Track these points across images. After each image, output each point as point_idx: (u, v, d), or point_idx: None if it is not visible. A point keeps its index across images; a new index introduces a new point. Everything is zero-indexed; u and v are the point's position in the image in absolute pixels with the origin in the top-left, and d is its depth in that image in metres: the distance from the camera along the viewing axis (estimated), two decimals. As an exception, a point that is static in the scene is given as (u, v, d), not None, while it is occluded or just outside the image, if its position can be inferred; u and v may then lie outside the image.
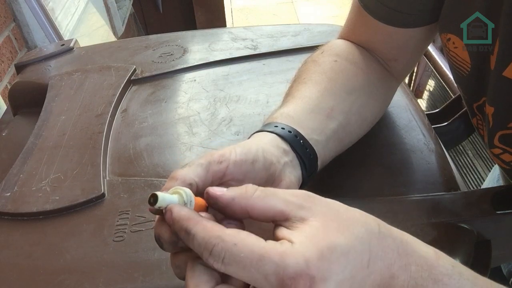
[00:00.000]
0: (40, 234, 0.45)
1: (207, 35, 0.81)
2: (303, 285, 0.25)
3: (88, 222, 0.46)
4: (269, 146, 0.38)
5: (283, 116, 0.42)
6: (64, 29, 1.29)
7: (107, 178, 0.51)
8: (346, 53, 0.52)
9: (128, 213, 0.46)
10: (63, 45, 0.81)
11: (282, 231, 0.28)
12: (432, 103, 2.01)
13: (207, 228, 0.27)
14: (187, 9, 2.37)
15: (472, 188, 1.33)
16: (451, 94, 1.08)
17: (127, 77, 0.69)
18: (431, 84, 2.07)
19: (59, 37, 1.18)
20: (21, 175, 0.53)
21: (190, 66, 0.71)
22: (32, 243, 0.44)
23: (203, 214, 0.29)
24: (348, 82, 0.48)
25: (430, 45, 1.14)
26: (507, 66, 0.39)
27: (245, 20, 3.23)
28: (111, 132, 0.59)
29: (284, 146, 0.39)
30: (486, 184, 0.82)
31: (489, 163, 1.65)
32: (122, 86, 0.67)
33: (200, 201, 0.31)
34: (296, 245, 0.26)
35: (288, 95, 0.47)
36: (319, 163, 0.42)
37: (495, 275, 0.71)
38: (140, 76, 0.70)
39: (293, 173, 0.38)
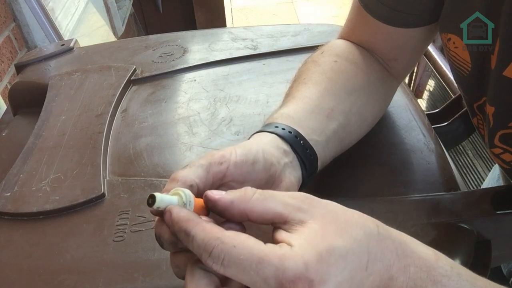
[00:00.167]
0: (40, 234, 0.45)
1: (207, 35, 0.81)
2: None
3: (88, 222, 0.46)
4: (269, 147, 0.37)
5: (283, 117, 0.42)
6: (64, 29, 1.29)
7: (107, 178, 0.51)
8: (346, 53, 0.52)
9: (128, 213, 0.46)
10: (63, 45, 0.81)
11: (281, 234, 0.28)
12: (432, 103, 2.01)
13: (206, 230, 0.27)
14: (187, 9, 2.37)
15: (472, 188, 1.33)
16: (451, 94, 1.08)
17: (127, 77, 0.69)
18: (431, 84, 2.07)
19: (59, 37, 1.18)
20: (21, 175, 0.53)
21: (190, 66, 0.71)
22: (32, 243, 0.44)
23: (203, 217, 0.29)
24: (348, 83, 0.48)
25: (430, 45, 1.14)
26: (507, 66, 0.39)
27: (245, 20, 3.23)
28: (111, 132, 0.59)
29: (285, 146, 0.39)
30: (486, 184, 0.82)
31: (489, 163, 1.65)
32: (122, 86, 0.67)
33: (201, 202, 0.31)
34: (295, 248, 0.26)
35: (288, 96, 0.47)
36: (319, 163, 0.42)
37: (495, 275, 0.71)
38: (140, 76, 0.70)
39: (293, 173, 0.38)
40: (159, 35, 0.83)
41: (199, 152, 0.54)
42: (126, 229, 0.44)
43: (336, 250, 0.26)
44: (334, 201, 0.30)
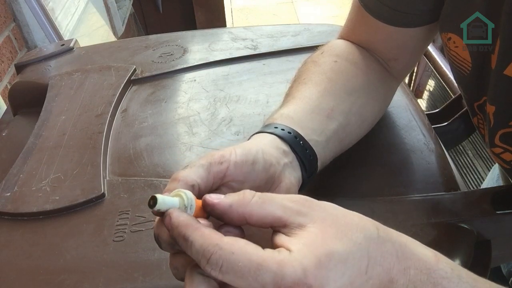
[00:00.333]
0: (40, 234, 0.45)
1: (207, 35, 0.81)
2: None
3: (88, 222, 0.46)
4: (268, 147, 0.37)
5: (283, 117, 0.42)
6: (64, 29, 1.29)
7: (107, 178, 0.51)
8: (346, 53, 0.52)
9: (128, 213, 0.46)
10: (63, 45, 0.81)
11: (280, 238, 0.27)
12: (432, 103, 2.01)
13: (205, 236, 0.27)
14: (187, 9, 2.37)
15: (472, 188, 1.33)
16: (451, 94, 1.08)
17: (127, 77, 0.69)
18: (431, 84, 2.07)
19: (59, 37, 1.18)
20: (21, 175, 0.53)
21: (190, 66, 0.71)
22: (32, 243, 0.44)
23: (203, 221, 0.29)
24: (348, 83, 0.48)
25: (430, 45, 1.14)
26: (508, 65, 0.39)
27: (245, 20, 3.23)
28: (111, 132, 0.59)
29: (284, 147, 0.39)
30: (485, 184, 0.82)
31: (489, 163, 1.65)
32: (122, 86, 0.67)
33: (201, 204, 0.31)
34: (294, 253, 0.26)
35: (288, 96, 0.47)
36: (319, 163, 0.42)
37: (495, 275, 0.71)
38: (140, 76, 0.70)
39: (293, 174, 0.38)
40: (159, 35, 0.83)
41: (199, 152, 0.54)
42: (126, 229, 0.44)
43: (335, 255, 0.26)
44: (334, 201, 0.30)
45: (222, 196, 0.30)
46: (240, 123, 0.58)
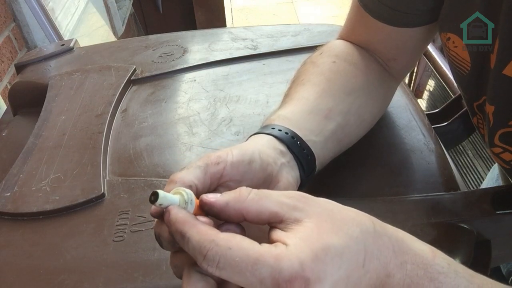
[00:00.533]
0: (40, 234, 0.45)
1: (207, 35, 0.81)
2: (299, 287, 0.25)
3: (88, 222, 0.46)
4: (265, 147, 0.38)
5: (281, 118, 0.42)
6: (64, 29, 1.29)
7: (107, 178, 0.51)
8: (345, 54, 0.52)
9: (128, 213, 0.46)
10: (63, 45, 0.81)
11: (276, 233, 0.28)
12: (432, 103, 2.01)
13: (201, 232, 0.27)
14: (187, 9, 2.37)
15: (472, 188, 1.33)
16: (451, 94, 1.08)
17: (127, 77, 0.69)
18: (431, 84, 2.07)
19: (59, 37, 1.18)
20: (21, 175, 0.53)
21: (190, 66, 0.71)
22: (32, 243, 0.44)
23: (203, 219, 0.29)
24: (346, 83, 0.48)
25: (430, 45, 1.14)
26: (507, 65, 0.39)
27: (245, 20, 3.23)
28: (111, 132, 0.59)
29: (281, 147, 0.39)
30: (485, 184, 0.82)
31: (489, 163, 1.65)
32: (122, 86, 0.67)
33: None
34: (291, 248, 0.26)
35: (286, 97, 0.48)
36: (317, 163, 0.42)
37: (495, 275, 0.71)
38: (140, 76, 0.70)
39: (290, 173, 0.38)
40: (159, 35, 0.83)
41: (199, 152, 0.54)
42: (126, 229, 0.44)
43: (332, 249, 0.26)
44: (334, 200, 0.30)
45: (218, 195, 0.30)
46: (240, 123, 0.58)
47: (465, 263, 0.39)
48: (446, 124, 0.69)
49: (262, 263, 0.25)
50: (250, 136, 0.41)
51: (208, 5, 2.36)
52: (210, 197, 0.30)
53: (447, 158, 0.51)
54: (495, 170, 0.77)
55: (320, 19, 3.06)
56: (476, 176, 1.63)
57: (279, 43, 0.74)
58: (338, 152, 0.46)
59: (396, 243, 0.28)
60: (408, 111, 0.58)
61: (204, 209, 0.30)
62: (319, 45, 0.55)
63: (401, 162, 0.50)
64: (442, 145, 0.53)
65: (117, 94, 0.65)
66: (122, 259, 0.41)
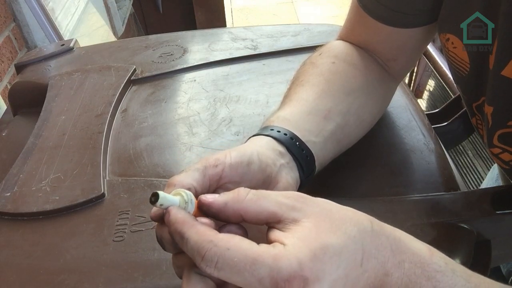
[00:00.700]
0: (40, 234, 0.45)
1: (207, 35, 0.81)
2: (297, 287, 0.25)
3: (88, 222, 0.46)
4: (264, 149, 0.38)
5: (280, 119, 0.42)
6: (64, 29, 1.29)
7: (107, 178, 0.51)
8: (344, 54, 0.52)
9: (128, 213, 0.46)
10: (63, 45, 0.81)
11: (275, 233, 0.28)
12: (432, 103, 2.01)
13: (199, 233, 0.27)
14: (187, 9, 2.37)
15: (472, 188, 1.33)
16: (451, 94, 1.08)
17: (127, 77, 0.69)
18: (431, 84, 2.07)
19: (59, 37, 1.18)
20: (21, 175, 0.53)
21: (190, 66, 0.71)
22: (32, 243, 0.44)
23: (203, 219, 0.29)
24: (346, 84, 0.48)
25: (430, 45, 1.14)
26: (505, 65, 0.39)
27: (245, 20, 3.23)
28: (111, 132, 0.59)
29: (280, 148, 0.39)
30: (484, 184, 0.82)
31: (489, 163, 1.65)
32: (122, 86, 0.67)
33: None
34: (289, 247, 0.26)
35: (285, 98, 0.48)
36: (317, 164, 0.42)
37: (495, 275, 0.71)
38: (140, 76, 0.70)
39: (290, 174, 0.38)
40: (159, 35, 0.83)
41: (199, 152, 0.54)
42: (126, 229, 0.44)
43: (330, 248, 0.26)
44: (334, 200, 0.30)
45: (217, 195, 0.30)
46: (240, 123, 0.58)
47: (465, 263, 0.39)
48: (446, 124, 0.69)
49: (261, 263, 0.25)
50: (249, 137, 0.41)
51: (208, 5, 2.36)
52: (209, 198, 0.30)
53: (447, 158, 0.51)
54: (494, 170, 0.77)
55: (320, 19, 3.06)
56: (476, 176, 1.63)
57: (279, 43, 0.74)
58: (337, 152, 0.46)
59: (394, 242, 0.28)
60: (408, 111, 0.58)
61: (202, 210, 0.30)
62: (319, 45, 0.55)
63: (401, 162, 0.50)
64: (442, 145, 0.53)
65: (117, 94, 0.65)
66: (122, 259, 0.41)
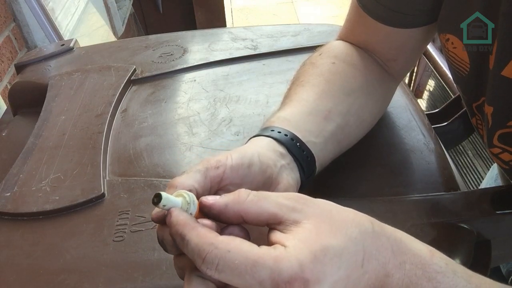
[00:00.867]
0: (40, 234, 0.45)
1: (207, 35, 0.81)
2: None
3: (88, 222, 0.46)
4: (265, 150, 0.38)
5: (280, 120, 0.42)
6: (64, 29, 1.29)
7: (107, 178, 0.51)
8: (344, 54, 0.52)
9: (128, 213, 0.46)
10: (63, 45, 0.81)
11: (275, 235, 0.28)
12: (432, 103, 2.01)
13: (200, 235, 0.27)
14: (187, 9, 2.37)
15: (472, 188, 1.33)
16: (451, 94, 1.08)
17: (127, 77, 0.69)
18: (431, 84, 2.07)
19: (59, 37, 1.18)
20: (21, 175, 0.53)
21: (190, 66, 0.71)
22: (32, 243, 0.44)
23: (205, 221, 0.29)
24: (346, 84, 0.48)
25: (430, 45, 1.14)
26: (505, 66, 0.39)
27: (245, 20, 3.23)
28: (111, 132, 0.59)
29: (281, 149, 0.39)
30: (484, 184, 0.82)
31: (489, 163, 1.65)
32: (122, 86, 0.67)
33: None
34: (290, 249, 0.26)
35: (285, 98, 0.48)
36: (317, 165, 0.42)
37: (495, 275, 0.71)
38: (140, 76, 0.70)
39: (290, 175, 0.38)
40: (159, 35, 0.83)
41: (199, 152, 0.54)
42: (126, 229, 0.44)
43: (330, 249, 0.26)
44: (334, 201, 0.30)
45: (217, 197, 0.30)
46: (240, 123, 0.58)
47: (465, 263, 0.39)
48: (446, 124, 0.69)
49: (261, 265, 0.25)
50: (250, 138, 0.41)
51: (208, 5, 2.36)
52: (209, 199, 0.30)
53: (447, 158, 0.51)
54: (494, 169, 0.77)
55: (320, 19, 3.06)
56: (476, 176, 1.63)
57: (279, 43, 0.74)
58: (338, 153, 0.46)
59: (395, 243, 0.28)
60: (408, 111, 0.58)
61: (204, 212, 0.30)
62: (319, 45, 0.55)
63: (401, 162, 0.50)
64: (442, 145, 0.53)
65: (117, 94, 0.65)
66: (122, 259, 0.41)
